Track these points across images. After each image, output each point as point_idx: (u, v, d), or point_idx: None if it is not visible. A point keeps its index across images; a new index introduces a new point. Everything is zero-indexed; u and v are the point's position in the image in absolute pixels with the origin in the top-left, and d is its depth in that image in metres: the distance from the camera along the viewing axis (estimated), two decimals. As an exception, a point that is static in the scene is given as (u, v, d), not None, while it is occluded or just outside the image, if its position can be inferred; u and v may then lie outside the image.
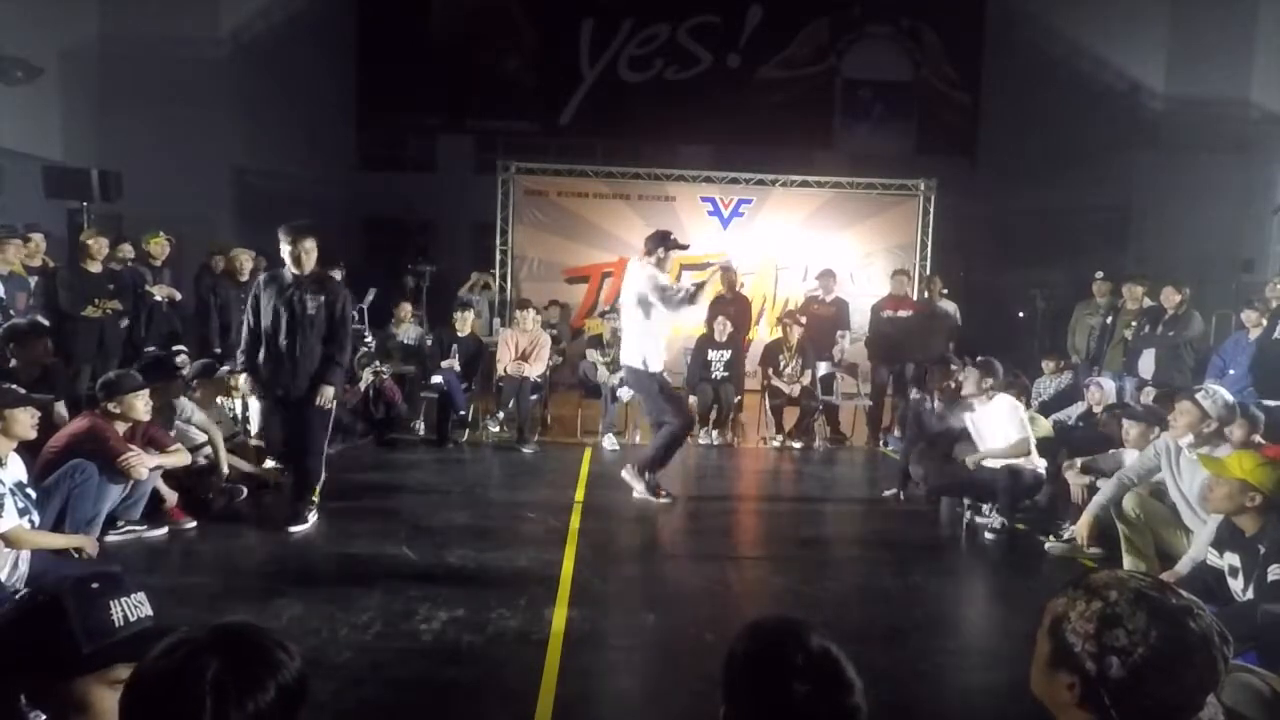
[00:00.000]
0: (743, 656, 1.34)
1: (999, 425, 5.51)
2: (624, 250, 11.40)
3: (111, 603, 1.41)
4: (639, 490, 5.80)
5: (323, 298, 4.98)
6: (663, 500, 5.81)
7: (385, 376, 7.63)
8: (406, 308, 9.01)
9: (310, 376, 4.95)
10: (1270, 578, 3.14)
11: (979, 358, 5.82)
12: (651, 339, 5.75)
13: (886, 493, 6.20)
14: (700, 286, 5.88)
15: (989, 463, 5.54)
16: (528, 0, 16.03)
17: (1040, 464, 5.49)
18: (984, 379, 5.60)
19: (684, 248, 5.92)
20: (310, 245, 4.93)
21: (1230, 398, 4.40)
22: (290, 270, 4.97)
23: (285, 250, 4.92)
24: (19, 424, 3.68)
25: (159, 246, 7.86)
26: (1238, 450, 3.92)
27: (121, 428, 4.69)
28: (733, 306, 9.12)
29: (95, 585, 1.43)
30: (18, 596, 1.51)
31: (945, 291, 9.56)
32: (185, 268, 8.63)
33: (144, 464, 4.56)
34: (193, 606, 3.78)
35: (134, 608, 1.44)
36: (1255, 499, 3.29)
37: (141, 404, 4.69)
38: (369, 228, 15.99)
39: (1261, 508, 3.29)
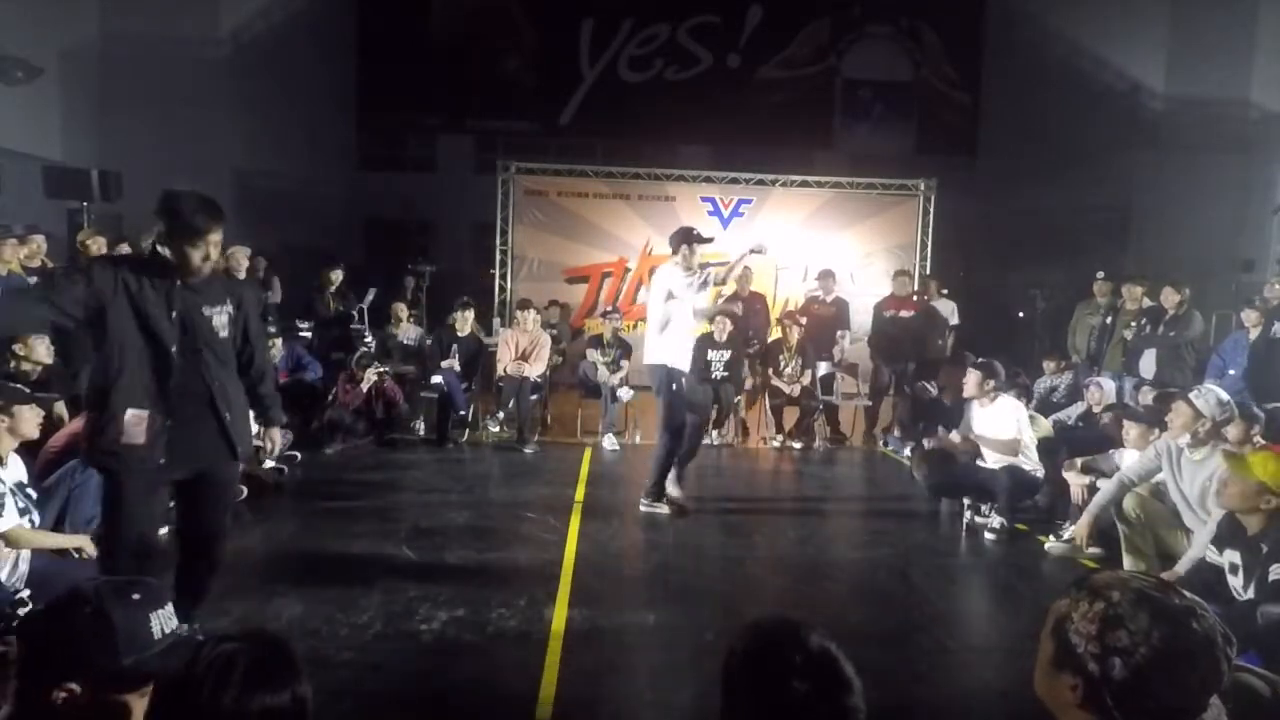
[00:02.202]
0: (742, 655, 1.35)
1: (1000, 426, 5.52)
2: (624, 250, 11.43)
3: (151, 615, 1.41)
4: (662, 509, 5.61)
5: (230, 306, 3.17)
6: (664, 509, 5.62)
7: (388, 377, 7.62)
8: (403, 308, 9.01)
9: (230, 430, 3.14)
10: (1272, 577, 3.14)
11: (980, 359, 5.83)
12: (675, 337, 5.57)
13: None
14: (728, 272, 5.89)
15: (986, 462, 5.56)
16: (528, 0, 16.04)
17: (1038, 466, 5.50)
18: (985, 381, 5.61)
19: (708, 240, 5.69)
20: (219, 236, 3.09)
21: (1225, 396, 4.40)
22: (178, 271, 3.01)
23: (200, 246, 3.00)
24: (24, 422, 3.69)
25: (159, 246, 7.86)
26: (1261, 451, 3.91)
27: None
28: (757, 303, 9.13)
29: (136, 596, 1.42)
30: (52, 597, 1.48)
31: (945, 292, 9.57)
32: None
33: None
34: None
35: (167, 620, 1.44)
36: (1271, 502, 3.27)
37: None
38: (369, 228, 16.00)
39: (1275, 511, 3.27)
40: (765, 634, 1.36)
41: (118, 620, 1.37)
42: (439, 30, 16.10)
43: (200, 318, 3.06)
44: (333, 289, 8.51)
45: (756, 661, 1.33)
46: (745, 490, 6.82)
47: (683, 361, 5.62)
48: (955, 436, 5.75)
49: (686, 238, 5.62)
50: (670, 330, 5.54)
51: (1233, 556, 3.39)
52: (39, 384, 4.90)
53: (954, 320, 9.12)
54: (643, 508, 5.65)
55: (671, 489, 5.82)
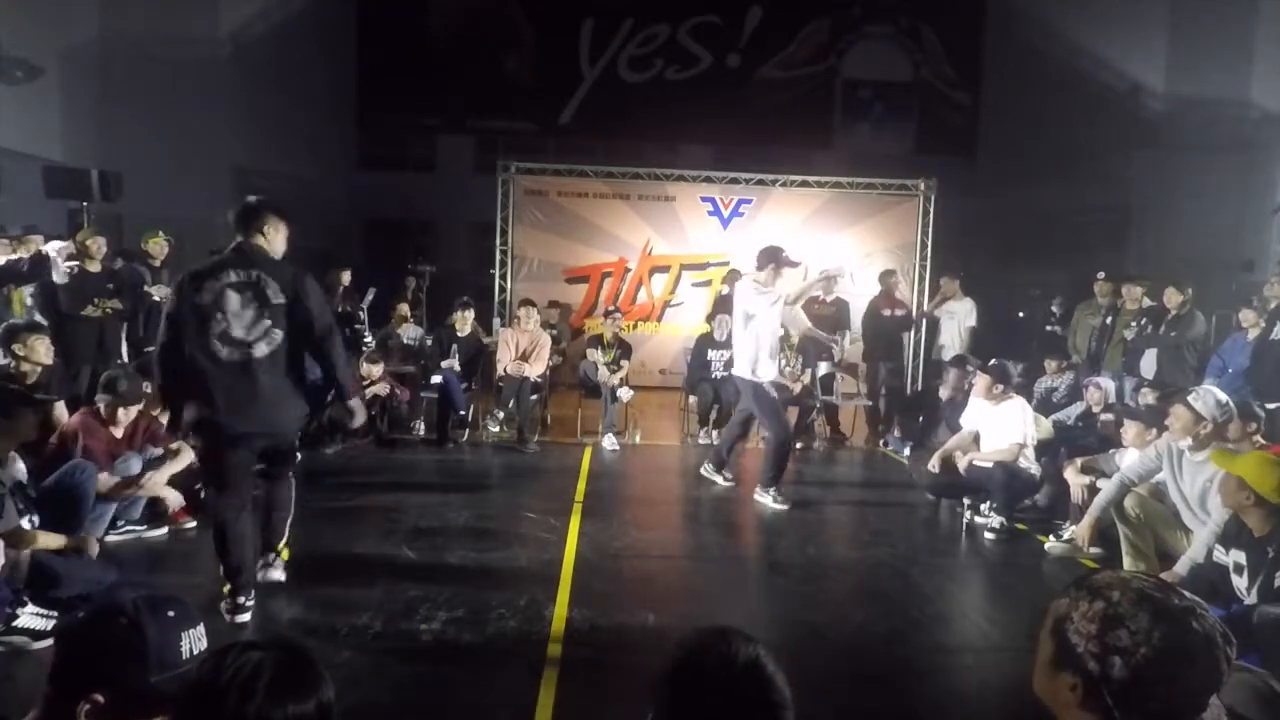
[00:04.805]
0: (666, 666, 1.31)
1: (1006, 427, 5.52)
2: (624, 250, 11.43)
3: (183, 634, 1.41)
4: (776, 505, 5.92)
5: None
6: (779, 506, 5.90)
7: (389, 377, 7.61)
8: (404, 308, 9.00)
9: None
10: (1278, 582, 3.15)
11: (992, 361, 5.84)
12: (760, 350, 5.92)
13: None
14: (801, 294, 6.35)
15: (982, 461, 5.56)
16: (528, 0, 16.04)
17: (1033, 464, 5.50)
18: (995, 385, 5.62)
19: (795, 265, 6.05)
20: None
21: (1223, 397, 4.39)
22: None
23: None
24: (24, 425, 3.70)
25: (158, 246, 7.85)
26: (1254, 449, 3.92)
27: (121, 428, 4.69)
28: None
29: (171, 614, 1.42)
30: (90, 605, 1.47)
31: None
32: (186, 268, 8.64)
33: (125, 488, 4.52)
34: (193, 607, 3.77)
35: (197, 640, 1.43)
36: (1250, 498, 3.30)
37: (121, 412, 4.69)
38: (369, 228, 16.00)
39: (1267, 509, 3.29)
40: (691, 645, 1.32)
41: (150, 636, 1.36)
42: (439, 30, 16.10)
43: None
44: (340, 291, 8.51)
45: (677, 672, 1.29)
46: (746, 490, 6.81)
47: (767, 374, 5.98)
48: (961, 465, 5.72)
49: (775, 258, 5.90)
50: (755, 345, 5.89)
51: (1238, 556, 3.40)
52: (39, 384, 4.90)
53: (970, 321, 9.09)
54: (756, 496, 6.07)
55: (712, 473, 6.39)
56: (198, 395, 3.54)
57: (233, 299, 3.53)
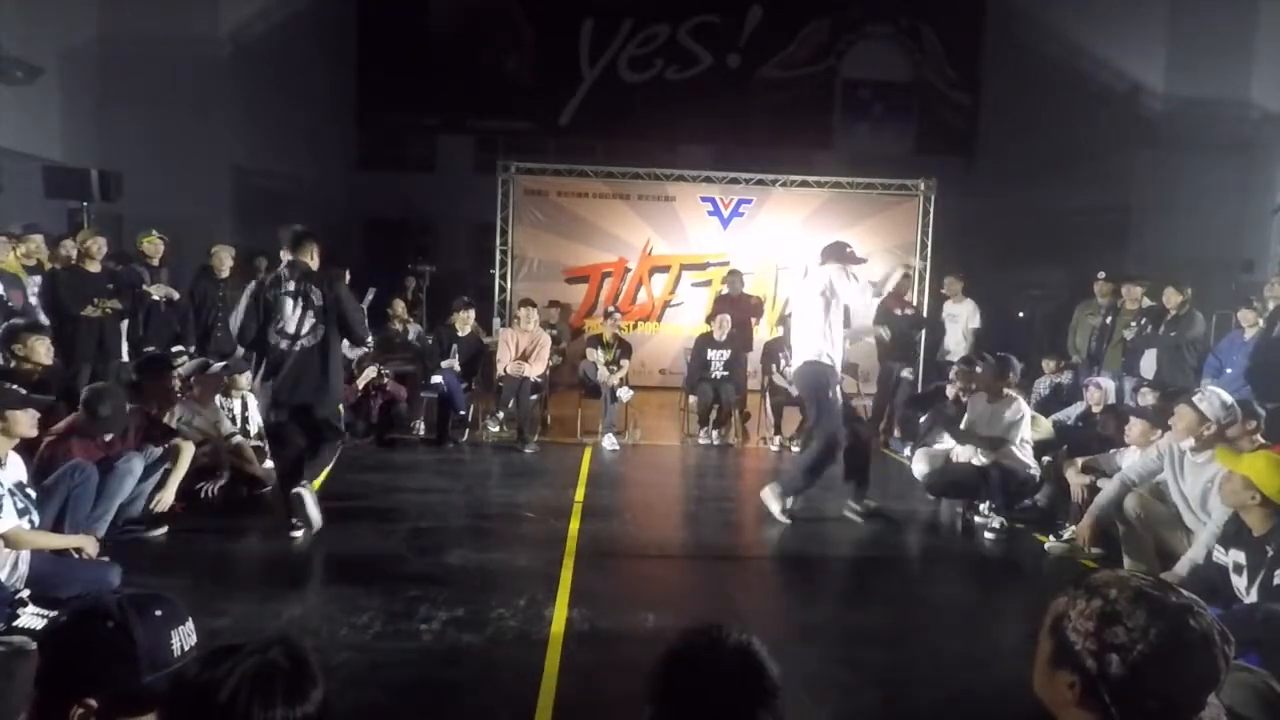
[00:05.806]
0: (660, 655, 1.33)
1: (999, 422, 5.52)
2: (624, 250, 11.43)
3: (172, 632, 1.40)
4: (779, 516, 5.50)
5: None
6: (781, 518, 5.51)
7: (387, 377, 7.61)
8: (400, 305, 8.99)
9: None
10: (1277, 580, 3.15)
11: (998, 354, 5.84)
12: (832, 336, 5.51)
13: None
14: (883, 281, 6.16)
15: (978, 460, 5.56)
16: (528, 0, 16.03)
17: (1029, 464, 5.50)
18: (997, 379, 5.62)
19: (861, 262, 5.69)
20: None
21: (1228, 399, 4.39)
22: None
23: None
24: (19, 425, 3.69)
25: (152, 245, 7.83)
26: (1258, 450, 3.92)
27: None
28: (746, 303, 9.18)
29: (159, 613, 1.41)
30: (73, 608, 1.45)
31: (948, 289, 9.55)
32: (186, 268, 8.64)
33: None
34: (192, 607, 3.77)
35: (187, 637, 1.43)
36: (1255, 498, 3.30)
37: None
38: (369, 228, 15.99)
39: (1268, 508, 3.29)
40: (685, 639, 1.34)
41: (139, 637, 1.35)
42: (439, 30, 16.09)
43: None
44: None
45: (670, 663, 1.31)
46: (745, 490, 6.81)
47: (837, 361, 5.53)
48: (954, 450, 5.73)
49: (840, 255, 5.59)
50: (827, 330, 5.48)
51: (1237, 556, 3.40)
52: (39, 384, 4.89)
53: (974, 323, 9.07)
54: (764, 495, 5.56)
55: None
56: (267, 373, 4.81)
57: (288, 303, 4.75)
